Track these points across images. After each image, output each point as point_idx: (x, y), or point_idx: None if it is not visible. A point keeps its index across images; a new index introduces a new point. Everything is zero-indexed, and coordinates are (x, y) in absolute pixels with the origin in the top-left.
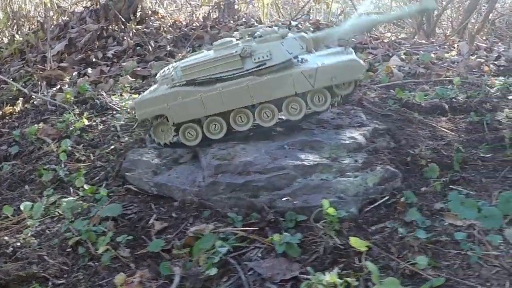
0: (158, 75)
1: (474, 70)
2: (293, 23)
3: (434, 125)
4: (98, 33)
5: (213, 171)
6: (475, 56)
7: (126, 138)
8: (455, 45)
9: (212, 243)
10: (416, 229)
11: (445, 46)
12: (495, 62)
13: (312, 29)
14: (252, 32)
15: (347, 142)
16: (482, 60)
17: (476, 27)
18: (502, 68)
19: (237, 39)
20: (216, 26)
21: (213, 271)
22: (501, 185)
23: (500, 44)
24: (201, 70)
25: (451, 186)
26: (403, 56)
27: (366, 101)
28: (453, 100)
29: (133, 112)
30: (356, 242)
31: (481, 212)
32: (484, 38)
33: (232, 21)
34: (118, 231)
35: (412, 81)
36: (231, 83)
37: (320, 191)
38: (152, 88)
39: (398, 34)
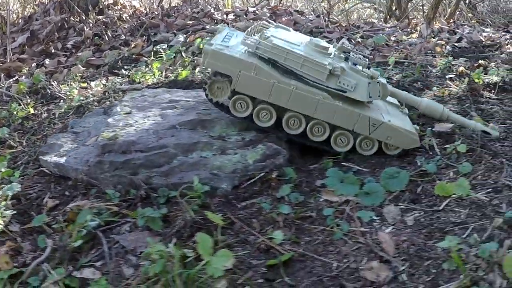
0: (247, 31)
1: (428, 52)
2: (251, 9)
3: None
4: (59, 24)
5: (100, 150)
6: (437, 38)
7: (60, 125)
8: (418, 28)
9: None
10: (282, 204)
11: (408, 29)
12: (456, 44)
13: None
14: (347, 50)
15: (240, 120)
16: (443, 42)
17: (449, 10)
18: (458, 49)
19: (333, 47)
20: (173, 14)
21: (78, 243)
22: (400, 162)
23: (466, 26)
24: (289, 58)
25: (343, 163)
26: (359, 40)
27: None
28: (387, 80)
29: (203, 56)
30: (213, 217)
31: (363, 188)
32: (452, 21)
33: (189, 9)
34: (16, 208)
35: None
36: (306, 88)
37: (197, 168)
38: (225, 37)
39: (378, 19)
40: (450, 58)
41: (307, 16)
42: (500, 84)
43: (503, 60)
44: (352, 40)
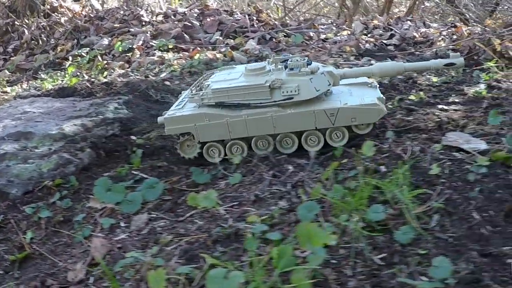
0: (188, 91)
1: (349, 49)
2: (180, 9)
3: None
4: (5, 29)
5: None
6: (370, 35)
7: None
8: (353, 25)
9: None
10: (44, 209)
11: (344, 26)
12: (384, 41)
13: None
14: (284, 60)
15: (54, 132)
16: (372, 39)
17: (408, 5)
18: (384, 46)
19: (269, 63)
20: (106, 17)
21: None
22: (186, 171)
23: (408, 22)
24: (231, 95)
25: (133, 172)
26: (281, 38)
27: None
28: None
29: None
30: None
31: (127, 197)
32: (397, 16)
33: (121, 11)
34: None
35: None
36: (257, 111)
37: (1, 176)
38: (179, 102)
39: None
40: (351, 58)
41: (235, 16)
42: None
43: (413, 59)
44: (274, 38)
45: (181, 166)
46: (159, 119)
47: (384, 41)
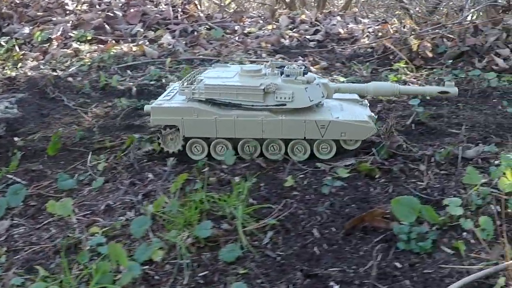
0: (178, 83)
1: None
2: None
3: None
4: None
5: None
6: (295, 30)
7: None
8: (279, 19)
9: None
10: None
11: (271, 20)
12: (308, 37)
13: None
14: (281, 65)
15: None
16: (296, 35)
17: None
18: (305, 42)
19: (266, 67)
20: (31, 4)
21: None
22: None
23: (338, 17)
24: (223, 93)
25: (8, 176)
26: (203, 31)
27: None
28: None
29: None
30: None
31: None
32: (328, 11)
33: None
34: None
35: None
36: (247, 113)
37: None
38: (168, 92)
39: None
40: (263, 55)
41: (160, 7)
42: None
43: (330, 57)
44: (196, 31)
45: (55, 170)
46: (146, 107)
47: (308, 37)
